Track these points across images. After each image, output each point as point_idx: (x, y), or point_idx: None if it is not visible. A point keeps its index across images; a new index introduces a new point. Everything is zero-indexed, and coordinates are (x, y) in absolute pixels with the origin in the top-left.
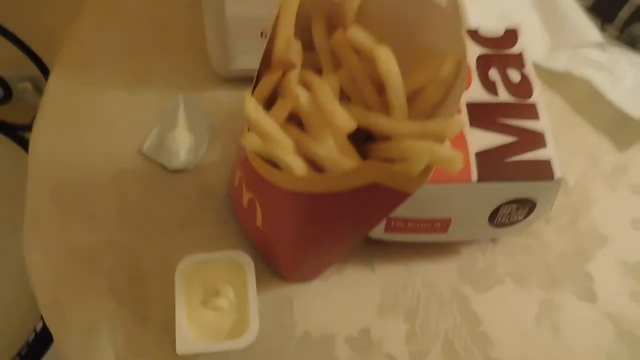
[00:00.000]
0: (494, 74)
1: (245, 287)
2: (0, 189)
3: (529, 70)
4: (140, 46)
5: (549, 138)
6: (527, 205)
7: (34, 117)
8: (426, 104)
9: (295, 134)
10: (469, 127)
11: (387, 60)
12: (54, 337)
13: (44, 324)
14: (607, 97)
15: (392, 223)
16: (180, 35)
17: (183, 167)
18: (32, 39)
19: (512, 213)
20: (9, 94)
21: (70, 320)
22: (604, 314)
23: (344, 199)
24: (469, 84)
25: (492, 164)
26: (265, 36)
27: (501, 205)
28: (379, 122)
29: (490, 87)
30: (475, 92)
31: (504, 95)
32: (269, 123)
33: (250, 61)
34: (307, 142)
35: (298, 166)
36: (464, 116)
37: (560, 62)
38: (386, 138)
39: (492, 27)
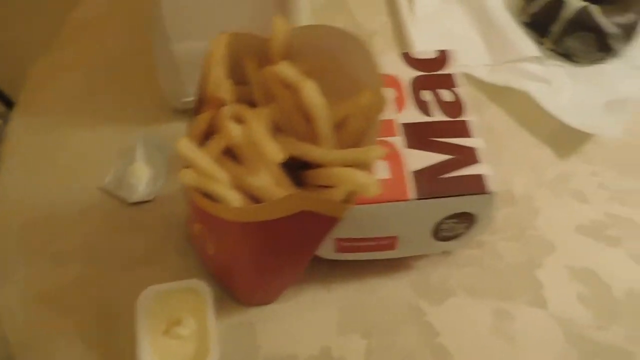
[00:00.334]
0: (427, 95)
1: (205, 314)
2: None
3: (461, 89)
4: (99, 86)
5: (481, 154)
6: (467, 219)
7: None
8: (352, 132)
9: (231, 167)
10: (406, 147)
11: (311, 93)
12: None
13: None
14: (546, 109)
15: (341, 244)
16: (137, 73)
17: (142, 199)
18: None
19: (454, 227)
20: None
21: None
22: (554, 318)
23: (278, 226)
24: (402, 106)
25: (429, 182)
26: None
27: (442, 220)
28: (308, 151)
29: (424, 107)
30: (410, 113)
31: (437, 115)
32: (203, 159)
33: None
34: (242, 175)
35: (233, 198)
36: (400, 137)
37: (501, 77)
38: (319, 166)
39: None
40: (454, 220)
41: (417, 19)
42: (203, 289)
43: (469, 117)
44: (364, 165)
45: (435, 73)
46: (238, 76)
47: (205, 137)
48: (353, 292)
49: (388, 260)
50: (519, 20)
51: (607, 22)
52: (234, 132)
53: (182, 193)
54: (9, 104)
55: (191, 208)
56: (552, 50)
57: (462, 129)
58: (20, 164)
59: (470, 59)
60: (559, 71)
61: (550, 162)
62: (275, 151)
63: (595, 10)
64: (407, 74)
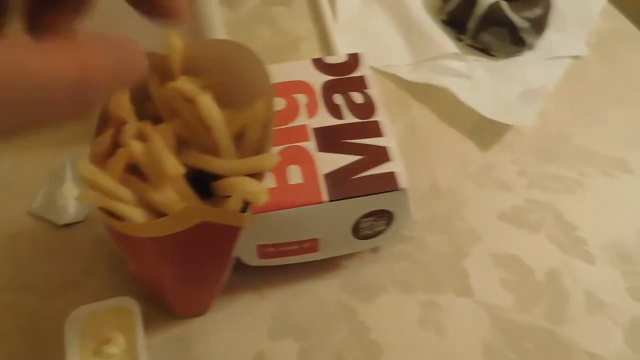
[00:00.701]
0: (338, 98)
1: (135, 331)
2: None
3: (372, 90)
4: None
5: (392, 152)
6: (384, 216)
7: None
8: (251, 142)
9: (136, 184)
10: (317, 151)
11: (207, 106)
12: None
13: None
14: (466, 103)
15: (263, 250)
16: None
17: (72, 220)
18: None
19: (373, 225)
20: None
21: None
22: (480, 305)
23: (184, 238)
24: (314, 111)
25: (340, 183)
26: None
27: (359, 219)
28: (209, 163)
29: (335, 111)
30: (322, 117)
31: (348, 118)
32: (105, 179)
33: None
34: (146, 191)
35: (135, 215)
36: (312, 142)
37: (422, 75)
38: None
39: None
40: (372, 218)
41: (340, 23)
42: (132, 306)
43: (381, 117)
44: (261, 173)
45: (346, 76)
46: (144, 93)
47: (109, 156)
48: (285, 297)
49: (319, 262)
50: (438, 18)
51: (517, 17)
52: (135, 149)
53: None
54: None
55: (105, 227)
56: (470, 46)
57: (373, 130)
58: None
59: (392, 58)
60: (477, 66)
61: (473, 154)
62: (175, 166)
63: (505, 6)
64: (319, 79)
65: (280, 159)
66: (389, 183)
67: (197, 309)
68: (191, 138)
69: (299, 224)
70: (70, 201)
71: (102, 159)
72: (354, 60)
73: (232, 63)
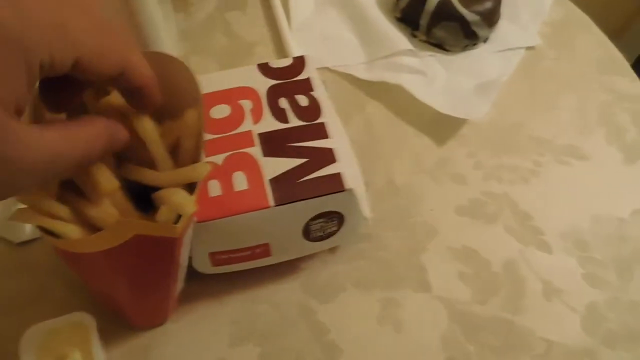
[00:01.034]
0: (283, 102)
1: (91, 346)
2: None
3: (318, 92)
4: None
5: (339, 153)
6: (334, 217)
7: None
8: (186, 151)
9: (72, 200)
10: (263, 156)
11: (140, 120)
12: None
13: None
14: (420, 99)
15: (216, 257)
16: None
17: (29, 238)
18: None
19: (324, 226)
20: None
21: None
22: (438, 299)
23: (121, 252)
24: (259, 117)
25: (286, 187)
26: None
27: (309, 222)
28: (145, 175)
29: (280, 115)
30: (267, 122)
31: (294, 121)
32: (38, 196)
33: None
34: (82, 207)
35: (70, 231)
36: (257, 147)
37: (376, 73)
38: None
39: (314, 51)
40: (322, 220)
41: (295, 26)
42: (88, 320)
43: (326, 119)
44: (194, 183)
45: (291, 80)
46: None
47: None
48: (245, 302)
49: (278, 265)
50: (392, 16)
51: (467, 11)
52: None
53: None
54: None
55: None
56: (425, 41)
57: (318, 132)
58: None
59: (347, 58)
60: (432, 61)
61: (429, 149)
62: (109, 181)
63: (455, 1)
64: (264, 84)
65: (210, 168)
66: (334, 184)
67: (155, 320)
68: (128, 151)
69: (247, 230)
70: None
71: None
72: (299, 63)
73: (164, 75)
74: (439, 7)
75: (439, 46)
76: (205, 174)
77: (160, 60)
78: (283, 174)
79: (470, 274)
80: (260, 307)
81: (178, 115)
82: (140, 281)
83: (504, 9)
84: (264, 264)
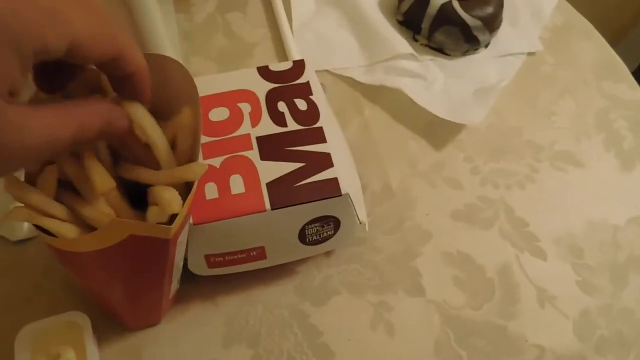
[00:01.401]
0: (282, 106)
1: (85, 345)
2: None
3: (316, 97)
4: None
5: (335, 157)
6: (330, 221)
7: None
8: (182, 152)
9: (69, 199)
10: (260, 160)
11: (141, 118)
12: None
13: None
14: (418, 103)
15: (211, 259)
16: None
17: (26, 236)
18: None
19: (319, 231)
20: None
21: None
22: (431, 303)
23: (116, 252)
24: (258, 120)
25: (283, 191)
26: None
27: (305, 226)
28: (140, 174)
29: (279, 119)
30: (265, 126)
31: (292, 125)
32: (35, 195)
33: None
34: (79, 206)
35: (66, 230)
36: (255, 151)
37: (376, 76)
38: None
39: (314, 52)
40: (317, 224)
41: (295, 28)
42: (82, 320)
43: (324, 123)
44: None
45: (291, 84)
46: None
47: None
48: (239, 304)
49: (272, 268)
50: (394, 19)
51: (468, 15)
52: (66, 165)
53: None
54: None
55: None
56: (426, 45)
57: (316, 136)
58: None
59: (347, 61)
60: (432, 65)
61: (425, 153)
62: (104, 181)
63: (456, 5)
64: (264, 88)
65: (206, 167)
66: (331, 189)
67: (149, 320)
68: (125, 151)
69: (243, 233)
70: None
71: (36, 175)
72: (299, 67)
73: (160, 76)
74: (440, 11)
75: (440, 50)
76: (201, 174)
77: (156, 62)
78: (280, 178)
79: (465, 278)
80: (254, 309)
81: (174, 115)
82: (134, 281)
83: (506, 15)
84: (259, 267)
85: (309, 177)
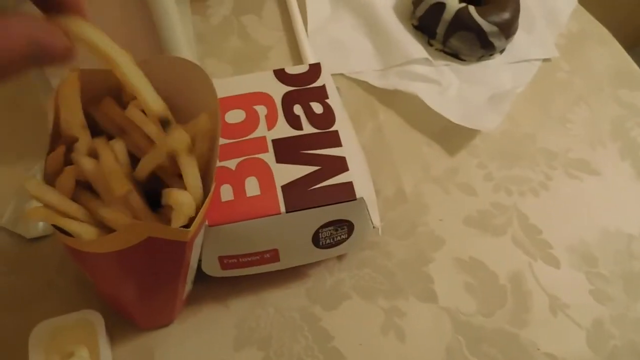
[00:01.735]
0: (298, 109)
1: (98, 344)
2: None
3: (332, 100)
4: None
5: (350, 161)
6: (344, 225)
7: None
8: (200, 156)
9: (87, 199)
10: (275, 162)
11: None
12: None
13: None
14: (432, 108)
15: (225, 261)
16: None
17: (41, 234)
18: None
19: (333, 234)
20: None
21: None
22: (443, 310)
23: (133, 254)
24: (274, 123)
25: (298, 194)
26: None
27: (318, 230)
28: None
29: (295, 122)
30: (281, 129)
31: (307, 128)
32: (53, 195)
33: None
34: (96, 207)
35: (84, 231)
36: (270, 153)
37: (390, 81)
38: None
39: (329, 56)
40: (331, 228)
41: (311, 31)
42: (96, 318)
43: (340, 127)
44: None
45: (307, 87)
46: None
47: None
48: (250, 306)
49: (284, 271)
50: (409, 24)
51: (485, 21)
52: (85, 166)
53: None
54: None
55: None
56: (441, 50)
57: (331, 139)
58: None
59: (362, 65)
60: (446, 71)
61: (439, 159)
62: (122, 184)
63: (472, 11)
64: (280, 90)
65: (189, 138)
66: (346, 193)
67: (160, 321)
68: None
69: (257, 235)
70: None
71: (55, 176)
72: (315, 70)
73: (181, 79)
74: (456, 16)
75: (455, 56)
76: (182, 143)
77: (176, 64)
78: (295, 181)
79: (477, 285)
80: (265, 311)
81: (194, 118)
82: (149, 282)
83: (522, 21)
84: (272, 270)
85: (324, 180)
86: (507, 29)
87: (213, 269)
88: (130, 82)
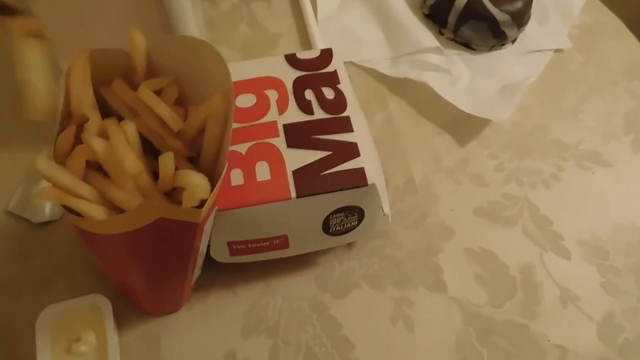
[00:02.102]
0: (309, 94)
1: (105, 328)
2: None
3: (344, 86)
4: None
5: (362, 147)
6: (354, 212)
7: None
8: (212, 137)
9: (97, 181)
10: (286, 147)
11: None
12: None
13: None
14: (444, 97)
15: (234, 246)
16: None
17: (48, 219)
18: None
19: (343, 221)
20: None
21: None
22: (453, 300)
23: (144, 235)
24: (285, 107)
25: (309, 179)
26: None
27: (329, 216)
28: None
29: (306, 107)
30: (292, 113)
31: (319, 113)
32: (64, 175)
33: None
34: (107, 188)
35: (95, 212)
36: (281, 138)
37: (401, 69)
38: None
39: (339, 44)
40: (342, 214)
41: (321, 19)
42: (103, 303)
43: (351, 112)
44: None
45: (318, 72)
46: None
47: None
48: (259, 294)
49: (293, 258)
50: (420, 12)
51: (497, 10)
52: (94, 147)
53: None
54: None
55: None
56: (452, 39)
57: (343, 125)
58: None
59: (372, 53)
60: (457, 60)
61: (449, 149)
62: (134, 163)
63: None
64: (291, 75)
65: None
66: (357, 179)
67: (168, 307)
68: (151, 136)
69: (267, 220)
70: (47, 200)
71: (65, 156)
72: (326, 55)
73: (194, 60)
74: (468, 5)
75: (466, 45)
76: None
77: (190, 45)
78: (306, 166)
79: (487, 276)
80: (273, 299)
81: (206, 99)
82: (158, 266)
83: (534, 10)
84: (281, 256)
85: (335, 166)
86: (520, 18)
87: (222, 255)
88: None
